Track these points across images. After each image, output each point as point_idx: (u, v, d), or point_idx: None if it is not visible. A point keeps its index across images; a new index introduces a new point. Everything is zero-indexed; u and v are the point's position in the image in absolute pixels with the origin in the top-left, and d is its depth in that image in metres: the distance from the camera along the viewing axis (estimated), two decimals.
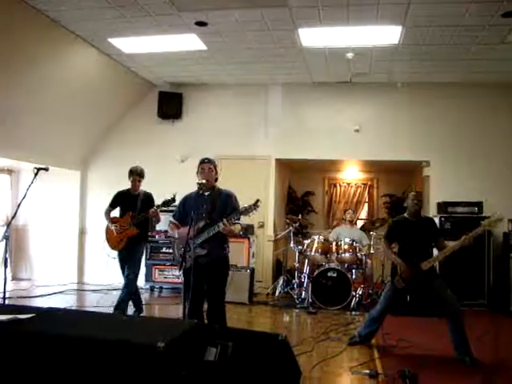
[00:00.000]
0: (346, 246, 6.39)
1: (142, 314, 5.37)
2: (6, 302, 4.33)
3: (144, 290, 6.90)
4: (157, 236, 7.18)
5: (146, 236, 5.48)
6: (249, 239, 6.99)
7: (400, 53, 5.92)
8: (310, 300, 6.17)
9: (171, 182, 6.55)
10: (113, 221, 5.26)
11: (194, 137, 7.55)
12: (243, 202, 3.85)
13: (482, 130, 6.94)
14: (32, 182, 4.03)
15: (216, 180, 3.98)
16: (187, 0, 4.73)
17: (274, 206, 7.58)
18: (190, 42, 5.79)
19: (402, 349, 4.27)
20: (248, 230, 7.02)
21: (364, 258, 6.47)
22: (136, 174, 5.22)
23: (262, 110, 7.55)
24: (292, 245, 6.88)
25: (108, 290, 7.07)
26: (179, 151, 7.58)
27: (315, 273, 6.28)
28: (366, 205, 9.35)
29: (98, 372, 2.25)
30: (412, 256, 4.10)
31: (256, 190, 6.96)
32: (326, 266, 6.33)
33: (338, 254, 6.44)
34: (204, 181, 3.83)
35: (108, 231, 5.32)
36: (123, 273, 5.24)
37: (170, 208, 5.16)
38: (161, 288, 7.26)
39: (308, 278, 6.56)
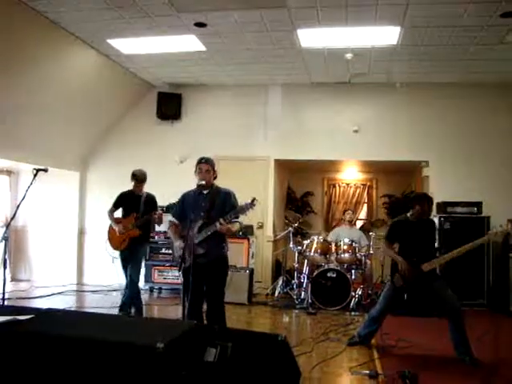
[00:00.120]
0: (346, 247, 6.39)
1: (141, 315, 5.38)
2: (6, 302, 4.32)
3: (143, 291, 6.88)
4: (156, 237, 7.18)
5: (148, 237, 5.56)
6: (248, 240, 6.99)
7: (399, 53, 5.93)
8: (310, 300, 6.17)
9: (170, 182, 6.56)
10: (116, 221, 5.30)
11: (193, 137, 7.55)
12: (242, 201, 3.85)
13: (480, 130, 6.95)
14: (31, 183, 4.03)
15: (215, 178, 3.98)
16: (186, 1, 4.73)
17: (273, 206, 7.58)
18: (189, 42, 5.79)
19: (401, 349, 4.27)
20: (247, 231, 7.02)
21: (363, 258, 6.48)
22: (139, 180, 5.30)
23: (261, 111, 7.55)
24: (291, 245, 6.87)
25: (107, 290, 7.07)
26: (178, 152, 7.58)
27: (315, 273, 6.28)
28: (366, 205, 9.36)
29: (98, 373, 2.25)
30: (412, 256, 4.10)
31: (255, 191, 6.92)
32: (326, 266, 6.33)
33: (337, 254, 6.45)
34: (202, 182, 3.84)
35: (110, 231, 5.36)
36: (125, 272, 5.27)
37: None
38: (160, 289, 7.26)
39: (307, 278, 6.56)
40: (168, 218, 4.26)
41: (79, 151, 7.76)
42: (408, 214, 4.31)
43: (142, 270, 6.16)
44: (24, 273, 8.00)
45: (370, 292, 6.55)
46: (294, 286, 6.77)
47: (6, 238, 4.36)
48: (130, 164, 7.35)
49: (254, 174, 7.53)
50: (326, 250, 6.48)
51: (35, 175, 4.08)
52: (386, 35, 5.40)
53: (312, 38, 5.55)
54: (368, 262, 6.62)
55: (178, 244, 3.88)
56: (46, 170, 4.17)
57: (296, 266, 6.85)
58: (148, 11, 4.97)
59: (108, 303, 6.08)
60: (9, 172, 7.80)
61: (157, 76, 7.38)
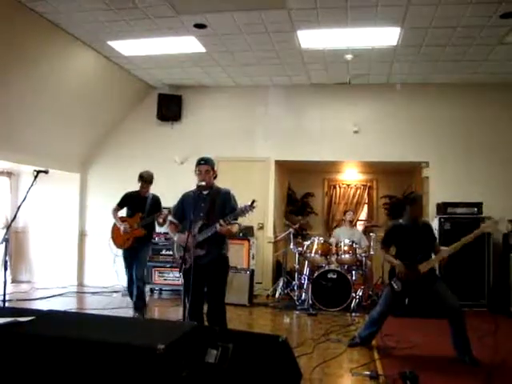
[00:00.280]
0: (346, 248, 6.39)
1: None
2: (6, 304, 4.32)
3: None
4: (157, 238, 7.17)
5: (151, 237, 5.63)
6: (249, 241, 6.99)
7: (399, 54, 5.94)
8: (310, 301, 6.17)
9: (171, 183, 6.55)
10: (121, 220, 5.33)
11: (194, 139, 7.56)
12: (242, 202, 3.85)
13: (481, 131, 6.95)
14: (32, 185, 4.04)
15: (215, 177, 3.98)
16: (186, 2, 4.74)
17: (273, 207, 7.58)
18: (189, 44, 5.80)
19: (402, 350, 4.26)
20: (248, 232, 7.03)
21: (364, 259, 6.47)
22: (146, 181, 5.38)
23: (262, 112, 7.56)
24: (292, 246, 6.88)
25: (108, 292, 7.07)
26: (178, 153, 7.58)
27: (315, 274, 6.28)
28: (366, 206, 9.35)
29: (99, 374, 2.25)
30: (409, 260, 4.08)
31: (256, 192, 6.94)
32: (326, 267, 6.33)
33: (337, 255, 6.44)
34: (202, 183, 3.84)
35: (115, 230, 5.38)
36: (126, 270, 5.32)
37: None
38: (160, 290, 7.26)
39: (308, 279, 6.56)
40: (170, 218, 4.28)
41: (80, 153, 7.77)
42: (400, 220, 4.34)
43: None
44: (24, 274, 8.00)
45: (370, 293, 6.55)
46: (295, 287, 6.77)
47: (6, 240, 4.37)
48: (130, 165, 7.40)
49: (254, 175, 7.54)
50: (327, 251, 6.48)
51: (36, 177, 4.09)
52: (386, 36, 5.41)
53: (312, 39, 5.56)
54: (368, 262, 6.62)
55: (177, 238, 3.89)
56: (46, 172, 4.18)
57: (296, 267, 6.85)
58: (148, 13, 4.97)
59: (109, 305, 6.08)
60: (9, 174, 7.81)
61: (157, 77, 7.39)
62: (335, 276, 6.19)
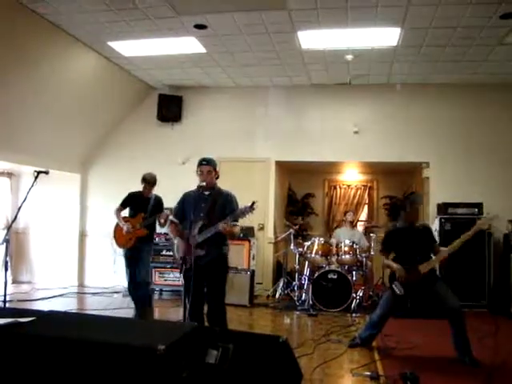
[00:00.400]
0: (346, 248, 6.39)
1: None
2: (7, 305, 4.33)
3: None
4: (157, 238, 7.17)
5: (153, 237, 5.65)
6: (249, 241, 6.99)
7: (399, 54, 5.94)
8: (311, 302, 6.17)
9: (171, 184, 6.54)
10: (124, 220, 5.36)
11: (194, 140, 7.56)
12: (243, 204, 3.85)
13: (481, 131, 6.95)
14: (32, 185, 4.05)
15: (217, 178, 3.98)
16: (186, 3, 4.74)
17: (274, 208, 7.58)
18: (189, 45, 5.80)
19: (402, 350, 4.26)
20: (248, 233, 7.03)
21: (364, 259, 6.48)
22: (150, 183, 5.40)
23: (262, 113, 7.56)
24: (292, 247, 6.88)
25: (108, 292, 7.07)
26: (179, 154, 7.58)
27: (315, 275, 6.28)
28: (366, 206, 9.35)
29: (99, 375, 2.25)
30: (408, 263, 4.08)
31: (256, 193, 6.97)
32: (327, 267, 6.33)
33: (338, 255, 6.44)
34: (203, 183, 3.84)
35: (117, 229, 5.40)
36: (127, 270, 5.35)
37: None
38: (161, 290, 7.26)
39: (308, 279, 6.56)
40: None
41: (80, 153, 7.77)
42: (397, 224, 4.35)
43: None
44: (25, 275, 8.00)
45: (371, 293, 6.55)
46: (295, 288, 6.77)
47: (7, 241, 4.37)
48: (130, 166, 7.43)
49: (254, 175, 7.54)
50: (327, 252, 6.48)
51: (36, 177, 4.09)
52: (386, 36, 5.41)
53: (312, 39, 5.56)
54: (369, 263, 6.63)
55: (177, 241, 3.90)
56: (46, 173, 4.18)
57: (297, 267, 6.85)
58: (148, 13, 4.98)
59: (109, 305, 6.08)
60: (10, 174, 7.81)
61: (157, 78, 7.39)
62: (335, 276, 6.19)
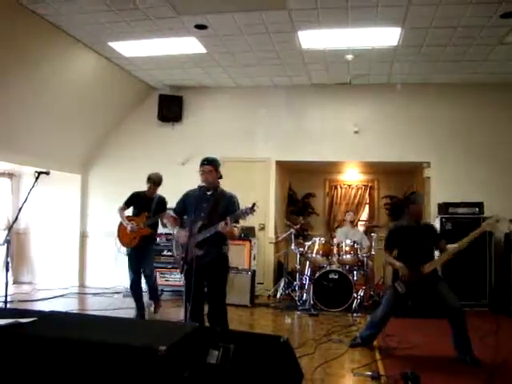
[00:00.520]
0: (347, 248, 6.38)
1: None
2: (8, 305, 4.33)
3: (145, 293, 6.89)
4: (158, 239, 7.17)
5: (155, 236, 5.72)
6: (250, 241, 6.99)
7: (399, 54, 5.93)
8: (312, 302, 6.17)
9: (172, 184, 6.55)
10: (128, 219, 5.38)
11: (195, 140, 7.56)
12: (244, 204, 3.85)
13: (481, 131, 6.94)
14: (33, 186, 4.05)
15: (220, 178, 3.97)
16: (187, 3, 4.74)
17: (274, 208, 7.58)
18: (189, 45, 5.80)
19: (403, 350, 4.26)
20: (249, 233, 7.02)
21: (365, 259, 6.48)
22: (155, 183, 5.44)
23: (262, 112, 7.55)
24: (293, 247, 6.88)
25: (109, 293, 7.07)
26: (179, 154, 7.58)
27: (316, 275, 6.28)
28: (367, 206, 9.35)
29: (100, 376, 2.25)
30: (412, 261, 4.07)
31: (256, 193, 6.97)
32: (328, 267, 6.33)
33: (339, 255, 6.43)
34: (204, 184, 3.84)
35: (121, 228, 5.41)
36: (130, 270, 5.39)
37: None
38: (162, 291, 7.24)
39: (309, 279, 6.56)
40: None
41: (80, 154, 7.78)
42: (401, 221, 4.35)
43: None
44: (26, 275, 8.00)
45: (372, 293, 6.55)
46: (296, 288, 6.77)
47: (8, 241, 4.37)
48: (131, 166, 7.43)
49: (255, 175, 7.54)
50: (328, 252, 6.47)
51: (37, 178, 4.09)
52: (387, 36, 5.41)
53: (312, 39, 5.56)
54: (370, 263, 6.62)
55: (176, 232, 3.91)
56: (47, 173, 4.18)
57: (298, 267, 6.85)
58: (149, 14, 4.98)
59: (110, 306, 6.08)
60: (10, 175, 7.82)
61: (158, 78, 7.39)
62: (336, 276, 6.19)
